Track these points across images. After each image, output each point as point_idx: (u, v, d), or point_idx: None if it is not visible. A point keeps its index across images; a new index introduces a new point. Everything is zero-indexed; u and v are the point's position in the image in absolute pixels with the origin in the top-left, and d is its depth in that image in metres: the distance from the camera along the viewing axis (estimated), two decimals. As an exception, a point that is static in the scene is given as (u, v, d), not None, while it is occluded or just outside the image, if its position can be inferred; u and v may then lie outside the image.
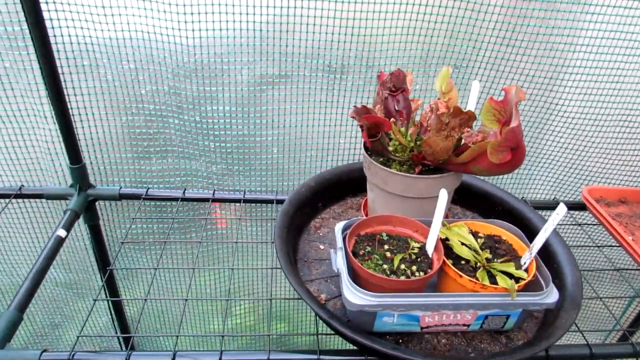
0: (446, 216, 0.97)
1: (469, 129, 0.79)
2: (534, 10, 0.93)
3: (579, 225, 1.08)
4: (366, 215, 0.98)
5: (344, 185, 1.06)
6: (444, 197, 0.75)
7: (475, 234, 0.83)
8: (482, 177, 1.19)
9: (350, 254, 0.75)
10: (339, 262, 0.76)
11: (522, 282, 0.73)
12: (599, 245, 1.02)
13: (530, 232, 0.96)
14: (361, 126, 0.85)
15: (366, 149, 0.89)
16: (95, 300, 0.78)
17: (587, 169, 1.20)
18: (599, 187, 1.14)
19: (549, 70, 1.00)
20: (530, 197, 1.27)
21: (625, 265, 0.98)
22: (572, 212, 1.15)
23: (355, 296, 0.70)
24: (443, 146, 0.77)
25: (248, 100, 1.01)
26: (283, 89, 1.01)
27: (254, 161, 1.10)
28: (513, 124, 0.69)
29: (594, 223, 1.08)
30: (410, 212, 0.85)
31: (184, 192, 1.08)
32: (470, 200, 1.07)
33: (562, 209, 0.74)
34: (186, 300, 0.82)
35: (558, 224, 1.23)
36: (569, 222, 1.15)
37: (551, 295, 0.73)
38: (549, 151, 1.17)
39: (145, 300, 0.81)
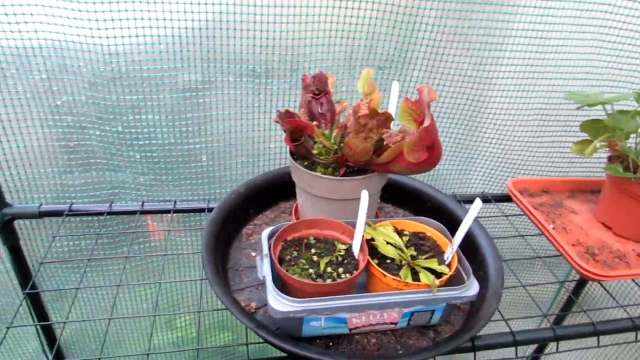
0: (376, 215, 0.99)
1: (387, 130, 0.80)
2: (451, 12, 0.95)
3: (506, 216, 1.12)
4: (297, 219, 0.97)
5: (276, 190, 1.05)
6: (365, 198, 0.76)
7: (400, 232, 0.85)
8: (412, 175, 1.22)
9: (275, 260, 0.74)
10: (265, 269, 0.75)
11: (444, 277, 0.75)
12: (523, 235, 1.07)
13: (458, 227, 0.99)
14: (285, 130, 0.84)
15: (292, 153, 0.88)
16: (8, 327, 0.73)
17: (514, 162, 1.25)
18: (523, 179, 1.19)
19: (470, 69, 1.03)
20: (463, 192, 1.31)
21: (549, 253, 1.03)
22: (500, 204, 1.19)
23: (279, 303, 0.69)
24: (362, 147, 0.77)
25: (172, 108, 0.98)
26: (208, 96, 0.99)
27: (183, 170, 1.07)
28: (426, 123, 0.71)
29: (519, 214, 1.12)
30: (337, 214, 0.85)
31: (110, 206, 1.03)
32: (402, 199, 1.09)
33: (477, 203, 0.76)
34: (109, 320, 0.79)
35: (487, 217, 1.29)
36: (496, 214, 1.20)
37: (471, 288, 0.75)
38: (478, 146, 1.22)
39: (65, 323, 0.77)
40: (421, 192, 1.07)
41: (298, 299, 0.69)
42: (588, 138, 1.09)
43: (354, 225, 0.80)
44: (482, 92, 1.08)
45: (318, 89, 0.91)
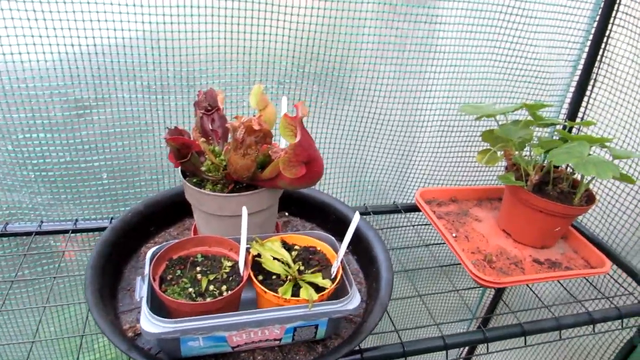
0: (277, 229, 0.99)
1: (269, 145, 0.81)
2: (345, 27, 0.97)
3: (413, 226, 1.15)
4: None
5: (180, 207, 1.03)
6: (245, 214, 0.76)
7: (291, 247, 0.85)
8: (317, 188, 1.23)
9: (151, 280, 0.73)
10: (143, 290, 0.73)
11: (325, 292, 0.76)
12: (427, 244, 1.09)
13: (358, 238, 1.01)
14: (170, 148, 0.83)
15: (182, 170, 0.87)
16: None
17: (423, 172, 1.28)
18: (431, 189, 1.22)
19: (368, 83, 1.06)
20: (379, 202, 1.33)
21: (454, 261, 1.05)
22: (409, 213, 1.21)
23: (150, 324, 0.68)
24: (242, 164, 0.77)
25: (65, 127, 0.96)
26: (103, 113, 0.97)
27: (83, 189, 1.04)
28: (297, 138, 0.72)
29: (426, 223, 1.15)
30: (229, 231, 0.85)
31: (5, 227, 1.00)
32: (309, 211, 1.10)
33: (356, 216, 0.78)
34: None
35: (396, 227, 1.31)
36: (405, 224, 1.22)
37: (352, 302, 0.76)
38: (387, 158, 1.24)
39: None
40: (327, 204, 1.08)
41: (169, 320, 0.68)
42: (489, 147, 1.14)
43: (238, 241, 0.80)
44: (383, 105, 1.11)
45: (210, 105, 0.91)
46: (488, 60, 1.12)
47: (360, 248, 1.00)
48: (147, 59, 0.93)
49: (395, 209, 1.21)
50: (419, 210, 1.19)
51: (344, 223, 1.06)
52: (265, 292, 0.74)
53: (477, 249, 1.07)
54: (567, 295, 1.24)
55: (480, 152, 1.15)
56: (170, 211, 1.03)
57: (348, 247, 1.04)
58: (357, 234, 1.01)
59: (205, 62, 0.96)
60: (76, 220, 1.04)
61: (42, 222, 1.02)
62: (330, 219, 1.07)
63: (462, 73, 1.12)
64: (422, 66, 1.07)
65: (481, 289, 1.58)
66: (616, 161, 0.98)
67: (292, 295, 0.75)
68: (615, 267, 1.14)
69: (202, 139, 0.87)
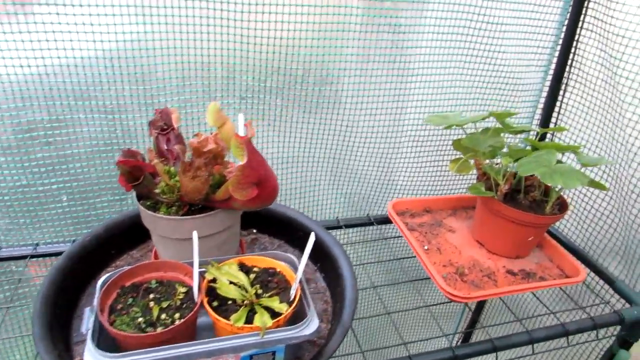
0: (241, 249, 0.96)
1: (219, 166, 0.78)
2: (306, 40, 0.95)
3: (385, 239, 1.12)
4: (155, 259, 0.94)
5: (142, 228, 1.01)
6: (196, 238, 0.73)
7: (249, 269, 0.83)
8: (288, 203, 1.21)
9: (98, 311, 0.70)
10: (90, 321, 0.71)
11: (281, 317, 0.73)
12: (398, 258, 1.07)
13: (325, 255, 0.98)
14: (121, 171, 0.81)
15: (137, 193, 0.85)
16: None
17: (398, 183, 1.26)
18: (404, 200, 1.20)
19: (332, 96, 1.03)
20: (353, 215, 1.30)
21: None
22: (382, 226, 1.19)
23: (93, 358, 0.65)
24: (192, 187, 0.75)
25: (19, 149, 0.93)
26: (59, 134, 0.94)
27: (42, 212, 1.01)
28: (243, 160, 0.69)
29: (399, 236, 1.12)
30: (187, 255, 0.82)
31: (-40, 254, 0.97)
32: (277, 228, 1.07)
33: (311, 238, 0.76)
34: None
35: (368, 240, 1.27)
36: (377, 237, 1.20)
37: (309, 327, 0.73)
38: (360, 169, 1.21)
39: None
40: (293, 220, 1.05)
41: (112, 355, 0.65)
42: (461, 156, 1.11)
43: (201, 264, 0.78)
44: (350, 117, 1.08)
45: (166, 124, 0.88)
46: (457, 69, 1.10)
47: (328, 266, 0.97)
48: (101, 78, 0.90)
49: (368, 222, 1.18)
50: (392, 223, 1.17)
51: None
52: (218, 319, 0.71)
53: (449, 262, 1.04)
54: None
55: (452, 161, 1.13)
56: (133, 233, 1.00)
57: (316, 265, 1.03)
58: (324, 250, 0.99)
59: (163, 80, 0.94)
60: (36, 244, 1.02)
61: (0, 247, 0.99)
62: (298, 236, 1.04)
63: (432, 82, 1.10)
64: (389, 77, 1.05)
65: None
66: (586, 168, 0.96)
67: (247, 322, 0.72)
68: (593, 274, 1.12)
69: (157, 160, 0.84)
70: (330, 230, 1.20)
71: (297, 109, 1.04)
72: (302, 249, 1.03)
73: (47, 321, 0.77)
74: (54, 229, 1.05)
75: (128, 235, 1.00)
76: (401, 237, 1.12)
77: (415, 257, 1.05)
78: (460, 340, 1.54)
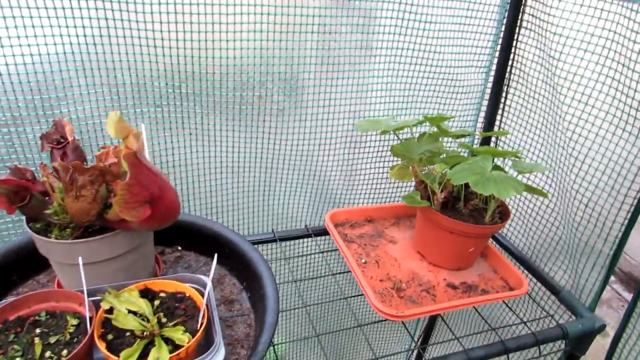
0: (158, 269, 0.88)
1: (115, 183, 0.70)
2: (217, 41, 0.88)
3: (321, 252, 1.05)
4: (59, 287, 0.85)
5: (50, 250, 0.92)
6: (80, 263, 0.65)
7: (155, 295, 0.75)
8: (217, 216, 1.13)
9: (-35, 354, 0.61)
10: (-41, 365, 0.62)
11: (182, 350, 0.65)
12: (334, 273, 1.00)
13: (253, 273, 0.91)
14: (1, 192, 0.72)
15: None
16: None
17: (338, 192, 1.20)
18: (343, 210, 1.14)
19: (255, 101, 0.97)
20: (291, 227, 1.23)
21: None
22: (320, 238, 1.12)
23: (-45, 411, 0.57)
24: (77, 208, 0.67)
25: None
26: (-54, 150, 0.85)
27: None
28: (127, 177, 0.61)
29: (335, 249, 1.06)
30: (88, 281, 0.74)
31: None
32: (202, 244, 1.00)
33: (215, 258, 0.69)
34: None
35: (305, 254, 1.20)
36: (314, 251, 1.13)
37: (215, 358, 0.66)
38: (295, 178, 1.15)
39: None
40: (220, 236, 0.98)
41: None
42: (401, 162, 1.05)
43: (100, 292, 0.70)
44: (277, 123, 1.01)
45: (62, 137, 0.80)
46: (390, 70, 1.04)
47: (254, 285, 0.90)
48: (-13, 88, 0.81)
49: (305, 234, 1.12)
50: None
51: (239, 256, 0.96)
52: (109, 356, 0.63)
53: (386, 276, 0.98)
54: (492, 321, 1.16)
55: (392, 168, 1.07)
56: (38, 255, 0.91)
57: (242, 284, 0.95)
58: (251, 268, 0.91)
59: (63, 89, 0.85)
60: None
61: None
62: (224, 252, 0.96)
63: (363, 85, 1.04)
64: (317, 79, 0.98)
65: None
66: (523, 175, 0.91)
67: (144, 357, 0.65)
68: (540, 284, 1.07)
69: (51, 177, 0.76)
70: (264, 245, 1.13)
71: (218, 116, 0.96)
72: (230, 267, 0.96)
73: None
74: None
75: (33, 259, 0.90)
76: (337, 250, 1.05)
77: (349, 272, 0.98)
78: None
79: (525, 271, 1.11)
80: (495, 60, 1.11)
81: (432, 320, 1.45)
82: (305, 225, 1.13)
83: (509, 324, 1.05)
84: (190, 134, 0.97)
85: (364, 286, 0.91)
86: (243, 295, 0.92)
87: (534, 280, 1.10)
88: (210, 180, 1.06)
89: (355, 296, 0.95)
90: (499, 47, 1.10)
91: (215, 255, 0.68)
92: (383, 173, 1.22)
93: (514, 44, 1.08)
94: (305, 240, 1.13)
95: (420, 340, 1.46)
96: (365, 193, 1.24)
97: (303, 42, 0.93)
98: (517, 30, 1.07)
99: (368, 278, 0.96)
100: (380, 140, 1.16)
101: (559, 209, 1.03)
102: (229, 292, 0.93)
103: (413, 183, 1.33)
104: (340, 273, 1.00)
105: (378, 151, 1.18)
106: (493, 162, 0.92)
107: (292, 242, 1.15)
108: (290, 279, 0.97)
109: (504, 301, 1.01)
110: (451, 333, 1.34)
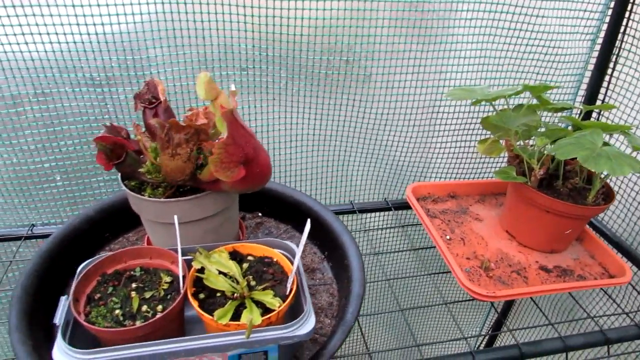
0: (242, 234, 0.88)
1: (207, 143, 0.69)
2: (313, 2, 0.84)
3: (402, 226, 1.01)
4: (149, 245, 0.87)
5: (138, 210, 0.94)
6: (176, 222, 0.66)
7: (243, 258, 0.74)
8: (297, 184, 1.11)
9: (71, 300, 0.63)
10: (61, 313, 0.64)
11: (273, 314, 0.64)
12: (416, 248, 0.96)
13: (334, 243, 0.89)
14: (99, 149, 0.73)
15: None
16: None
17: (419, 164, 1.14)
18: (426, 183, 1.09)
19: (342, 66, 0.93)
20: (369, 199, 1.19)
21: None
22: (401, 212, 1.08)
23: (63, 354, 0.59)
24: (173, 166, 0.67)
25: (5, 126, 0.87)
26: (46, 110, 0.88)
27: (36, 192, 0.96)
28: (225, 136, 0.60)
29: (418, 223, 1.01)
30: (175, 240, 0.75)
31: (-48, 234, 0.93)
32: (284, 212, 0.99)
33: (307, 226, 0.66)
34: None
35: (384, 227, 1.16)
36: (394, 225, 1.09)
37: (305, 326, 0.64)
38: (377, 148, 1.10)
39: None
40: (302, 204, 0.96)
41: (82, 351, 0.58)
42: (490, 136, 0.99)
43: (190, 252, 0.70)
44: (364, 90, 0.97)
45: (154, 97, 0.80)
46: (486, 36, 0.96)
47: (336, 255, 0.88)
48: (84, 47, 0.83)
49: (385, 207, 1.08)
50: (411, 208, 1.06)
51: (321, 225, 0.94)
52: (202, 314, 0.63)
53: (473, 254, 0.93)
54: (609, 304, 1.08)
55: (480, 142, 1.01)
56: (129, 214, 0.94)
57: (323, 254, 0.93)
58: (333, 238, 0.89)
59: (154, 49, 0.86)
60: (32, 225, 0.97)
61: (-4, 228, 0.95)
62: (305, 220, 0.95)
63: (456, 51, 0.97)
64: (407, 44, 0.93)
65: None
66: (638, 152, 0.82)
67: (235, 318, 0.64)
68: (640, 273, 0.98)
69: (144, 137, 0.76)
70: (343, 216, 1.10)
71: (303, 80, 0.93)
72: (309, 236, 0.94)
73: (27, 310, 0.72)
74: (50, 209, 1.00)
75: (123, 217, 0.93)
76: (421, 224, 1.01)
77: (435, 247, 0.94)
78: (484, 344, 1.41)
79: (624, 258, 1.02)
80: (605, 27, 1.00)
81: (508, 306, 1.38)
82: (384, 198, 1.09)
83: (609, 313, 0.97)
84: (274, 99, 0.95)
85: (450, 263, 0.87)
86: (324, 264, 0.91)
87: (634, 269, 1.01)
88: (291, 147, 1.05)
89: (439, 273, 0.90)
90: (610, 12, 0.99)
91: (309, 221, 0.65)
92: (463, 147, 1.15)
93: (630, 7, 0.97)
94: (383, 213, 1.10)
95: (492, 327, 1.40)
96: (444, 168, 1.18)
97: (395, 2, 0.88)
98: (633, -8, 0.96)
99: (454, 255, 0.91)
100: (462, 112, 1.09)
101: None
102: (310, 260, 0.92)
103: (496, 159, 1.25)
104: (422, 248, 0.96)
105: (460, 125, 1.11)
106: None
107: (370, 214, 1.11)
108: (370, 251, 0.94)
109: (602, 289, 0.93)
110: (527, 320, 1.27)
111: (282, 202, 0.98)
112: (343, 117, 1.01)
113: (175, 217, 0.65)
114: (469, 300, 0.83)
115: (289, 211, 0.98)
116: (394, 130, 1.06)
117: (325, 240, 0.90)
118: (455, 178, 1.21)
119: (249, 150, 0.63)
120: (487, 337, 1.34)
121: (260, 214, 1.02)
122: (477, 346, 1.39)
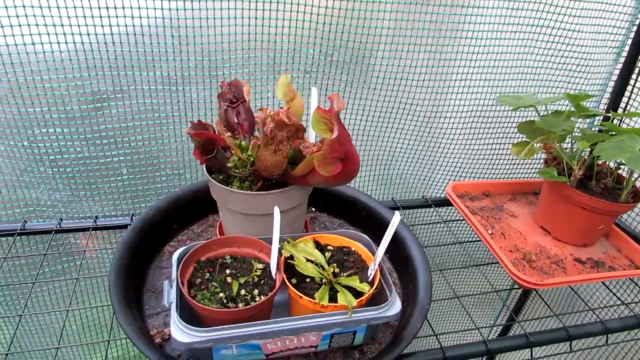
0: (306, 228, 0.94)
1: (301, 141, 0.75)
2: (370, 12, 0.91)
3: (444, 222, 1.09)
4: (222, 236, 0.92)
5: (202, 203, 0.99)
6: (277, 214, 0.71)
7: (324, 248, 0.80)
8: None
9: (180, 285, 0.68)
10: (172, 296, 0.69)
11: (363, 297, 0.71)
12: (461, 241, 1.04)
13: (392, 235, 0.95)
14: (194, 144, 0.78)
15: (207, 166, 0.83)
16: None
17: (453, 165, 1.22)
18: (463, 183, 1.17)
19: (400, 72, 1.00)
20: (406, 196, 1.27)
21: (489, 260, 0.99)
22: (439, 208, 1.16)
23: (181, 333, 0.64)
24: (273, 161, 0.72)
25: (82, 121, 0.91)
26: (122, 106, 0.92)
27: (103, 185, 1.00)
28: (334, 134, 0.66)
29: (459, 219, 1.09)
30: (258, 230, 0.80)
31: (23, 225, 0.96)
32: (337, 207, 1.05)
33: (396, 217, 0.73)
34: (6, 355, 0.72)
35: (426, 223, 1.25)
36: (436, 220, 1.17)
37: (392, 308, 0.71)
38: (416, 149, 1.18)
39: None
40: (356, 200, 1.03)
41: (201, 329, 0.64)
42: (526, 139, 1.07)
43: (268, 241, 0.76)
44: (413, 94, 1.04)
45: (235, 96, 0.85)
46: (527, 47, 1.05)
47: (394, 246, 0.95)
48: (166, 47, 0.87)
49: (425, 204, 1.15)
50: (450, 205, 1.14)
51: (375, 220, 1.01)
52: (300, 297, 0.69)
53: (515, 247, 1.01)
54: (608, 298, 1.18)
55: (516, 145, 1.09)
56: (193, 207, 0.99)
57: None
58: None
59: (229, 51, 0.91)
60: (96, 217, 1.00)
61: (61, 219, 0.98)
62: (360, 215, 1.01)
63: (498, 61, 1.06)
64: (456, 53, 1.01)
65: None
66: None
67: (329, 300, 0.70)
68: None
69: (228, 134, 0.81)
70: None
71: (360, 84, 1.00)
72: (365, 229, 1.01)
73: (123, 296, 0.76)
74: (113, 202, 1.04)
75: (188, 210, 0.98)
76: (461, 220, 1.09)
77: (478, 241, 1.02)
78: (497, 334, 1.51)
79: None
80: (629, 41, 1.10)
81: (524, 297, 1.48)
82: (423, 196, 1.17)
83: (607, 305, 1.06)
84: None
85: (499, 255, 0.95)
86: (382, 256, 0.97)
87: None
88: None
89: (487, 264, 0.98)
90: (634, 28, 1.09)
91: (397, 213, 0.72)
92: (491, 150, 1.24)
93: (653, 23, 1.07)
94: (423, 210, 1.17)
95: (507, 316, 1.49)
96: (474, 169, 1.27)
97: (449, 15, 0.96)
98: (657, 10, 1.06)
99: (498, 248, 0.99)
100: (491, 117, 1.17)
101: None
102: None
103: (524, 161, 1.34)
104: (468, 242, 1.04)
105: (493, 128, 1.20)
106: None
107: (411, 211, 1.19)
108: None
109: (631, 279, 1.02)
110: (540, 311, 1.37)
111: (335, 197, 1.04)
112: (391, 119, 1.08)
113: (276, 208, 0.70)
114: (514, 288, 0.90)
115: (342, 206, 1.04)
116: (439, 130, 1.13)
117: (382, 233, 0.97)
118: (482, 178, 1.29)
119: (347, 148, 0.69)
120: (500, 329, 1.43)
121: (313, 209, 1.08)
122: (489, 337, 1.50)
